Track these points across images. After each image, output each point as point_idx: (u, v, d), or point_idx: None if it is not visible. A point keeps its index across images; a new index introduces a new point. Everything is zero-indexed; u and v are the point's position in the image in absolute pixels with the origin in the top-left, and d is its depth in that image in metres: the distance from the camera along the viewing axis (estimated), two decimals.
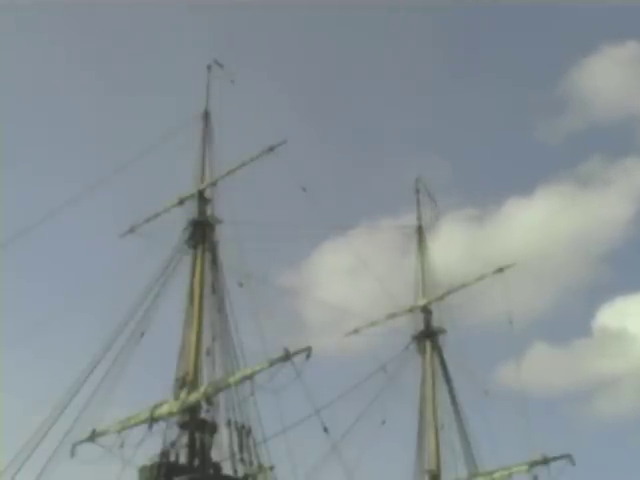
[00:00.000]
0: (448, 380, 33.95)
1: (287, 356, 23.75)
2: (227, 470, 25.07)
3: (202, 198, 28.09)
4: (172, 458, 24.73)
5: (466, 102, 67.75)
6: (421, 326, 34.80)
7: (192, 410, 25.15)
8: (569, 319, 59.28)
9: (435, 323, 34.89)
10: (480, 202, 59.27)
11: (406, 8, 63.21)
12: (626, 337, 57.71)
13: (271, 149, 26.76)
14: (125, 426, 25.27)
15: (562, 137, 65.78)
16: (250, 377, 24.64)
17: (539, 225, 57.95)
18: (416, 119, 68.52)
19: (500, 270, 33.56)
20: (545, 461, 31.21)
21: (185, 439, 25.01)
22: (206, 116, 29.02)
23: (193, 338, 26.02)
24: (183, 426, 25.15)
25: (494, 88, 68.57)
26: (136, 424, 25.23)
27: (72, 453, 25.05)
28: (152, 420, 25.02)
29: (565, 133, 65.27)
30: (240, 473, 24.99)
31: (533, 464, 31.42)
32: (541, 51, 67.99)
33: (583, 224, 60.20)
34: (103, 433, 25.35)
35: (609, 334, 57.94)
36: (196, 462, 24.79)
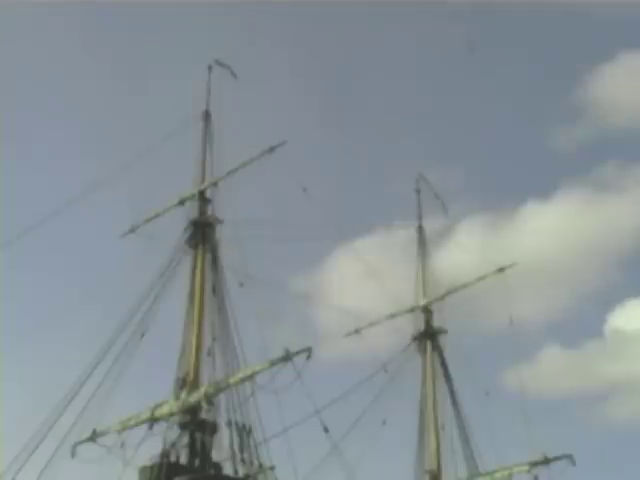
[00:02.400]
0: (449, 380, 33.96)
1: (287, 356, 23.75)
2: (228, 470, 25.08)
3: (203, 198, 28.10)
4: (173, 458, 24.77)
5: (480, 107, 68.10)
6: (422, 326, 34.81)
7: (193, 410, 25.16)
8: (583, 322, 60.03)
9: (436, 323, 34.90)
10: (495, 207, 59.57)
11: (417, 7, 62.94)
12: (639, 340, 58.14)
13: (272, 149, 26.79)
14: (126, 426, 25.30)
15: (577, 143, 66.12)
16: (250, 377, 24.66)
17: (554, 230, 58.63)
18: (429, 123, 68.10)
19: (501, 270, 33.54)
20: (546, 461, 31.18)
21: (186, 439, 25.04)
22: (207, 116, 29.03)
23: (194, 338, 26.04)
24: (184, 426, 25.17)
25: (509, 93, 68.68)
26: (137, 424, 25.26)
27: (73, 453, 25.09)
28: (153, 420, 25.05)
29: (581, 139, 65.57)
30: (241, 473, 25.00)
31: (534, 464, 31.39)
32: (558, 57, 67.98)
33: (598, 229, 60.79)
34: (104, 433, 25.38)
35: (622, 336, 58.42)
36: (197, 462, 24.82)
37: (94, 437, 25.35)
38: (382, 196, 57.72)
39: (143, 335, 26.03)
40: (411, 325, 34.79)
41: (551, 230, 58.48)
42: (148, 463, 24.62)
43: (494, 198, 62.38)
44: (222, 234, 27.65)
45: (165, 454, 24.66)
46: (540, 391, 51.33)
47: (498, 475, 32.15)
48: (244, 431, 25.19)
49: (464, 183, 62.90)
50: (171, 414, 25.10)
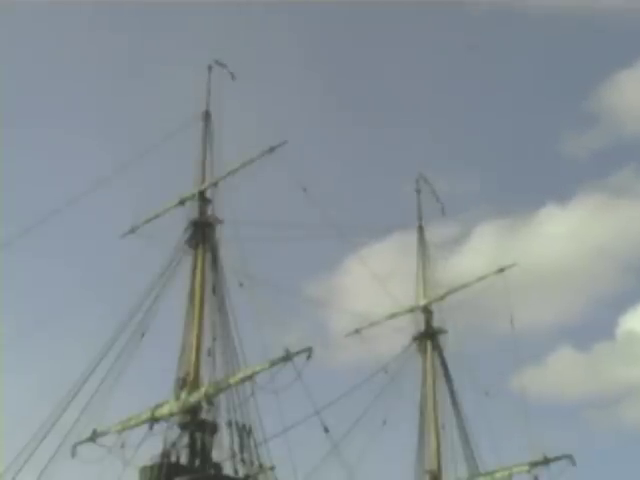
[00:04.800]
0: (449, 380, 33.96)
1: (288, 356, 23.76)
2: (228, 470, 25.09)
3: (203, 198, 28.11)
4: (173, 458, 24.76)
5: (497, 112, 68.67)
6: (422, 326, 34.80)
7: (193, 410, 25.16)
8: (595, 325, 60.56)
9: (436, 323, 34.89)
10: (511, 211, 59.99)
11: (424, 6, 62.87)
12: None
13: (272, 149, 26.80)
14: (126, 426, 25.30)
15: (594, 149, 66.68)
16: (250, 377, 24.66)
17: (570, 234, 59.49)
18: (441, 126, 67.75)
19: (501, 270, 33.51)
20: (546, 461, 31.15)
21: (186, 439, 25.04)
22: (207, 116, 29.04)
23: (194, 338, 26.04)
24: (184, 426, 25.17)
25: (527, 99, 69.04)
26: (137, 424, 25.26)
27: (73, 453, 25.08)
28: (153, 420, 25.05)
29: (597, 145, 66.20)
30: (241, 473, 25.00)
31: (534, 464, 31.36)
32: (574, 63, 68.24)
33: (613, 234, 61.46)
34: (104, 433, 25.38)
35: (634, 339, 58.94)
36: (197, 462, 24.82)
37: (94, 437, 25.34)
38: (387, 197, 57.81)
39: (143, 335, 26.06)
40: (412, 325, 34.84)
41: (567, 234, 59.35)
42: (148, 463, 24.61)
43: (510, 202, 62.76)
44: (222, 234, 27.70)
45: (165, 454, 24.65)
46: (551, 393, 51.75)
47: (498, 475, 32.14)
48: (244, 431, 25.19)
49: (480, 187, 63.64)
50: (171, 414, 25.10)
